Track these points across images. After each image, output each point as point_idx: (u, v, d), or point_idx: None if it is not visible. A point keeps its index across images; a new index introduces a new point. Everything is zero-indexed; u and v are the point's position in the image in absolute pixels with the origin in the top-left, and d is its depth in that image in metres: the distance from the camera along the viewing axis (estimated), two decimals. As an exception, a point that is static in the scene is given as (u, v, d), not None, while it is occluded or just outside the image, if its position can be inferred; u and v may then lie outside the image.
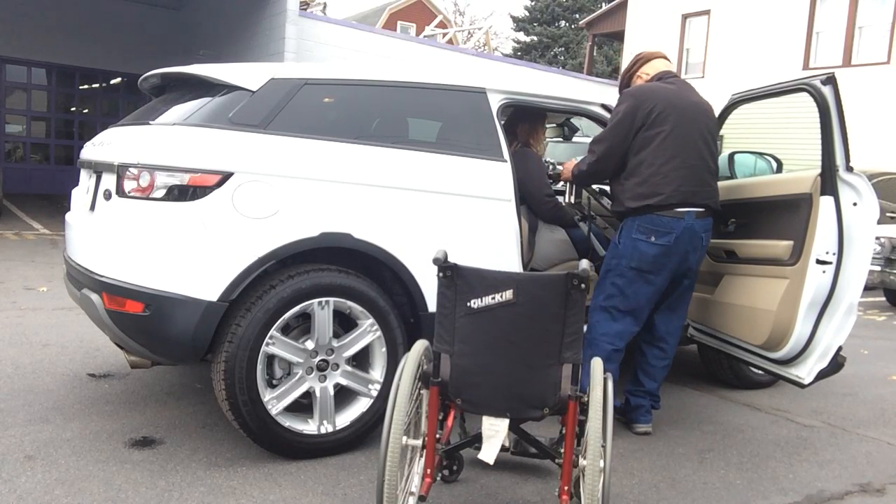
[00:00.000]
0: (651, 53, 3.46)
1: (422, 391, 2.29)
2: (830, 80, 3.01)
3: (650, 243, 3.10)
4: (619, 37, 20.31)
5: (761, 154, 4.02)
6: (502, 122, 3.42)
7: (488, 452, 2.23)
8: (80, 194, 3.28)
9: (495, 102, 3.33)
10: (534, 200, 3.66)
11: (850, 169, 3.04)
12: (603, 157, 3.22)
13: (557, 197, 3.83)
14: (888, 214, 8.97)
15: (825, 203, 3.05)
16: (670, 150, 3.08)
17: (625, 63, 18.92)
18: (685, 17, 17.52)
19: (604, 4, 27.05)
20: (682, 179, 3.07)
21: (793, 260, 3.15)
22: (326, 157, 2.85)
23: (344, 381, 2.89)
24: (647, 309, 3.22)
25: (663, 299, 3.30)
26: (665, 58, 3.44)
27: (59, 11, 15.09)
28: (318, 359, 2.84)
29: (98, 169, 2.95)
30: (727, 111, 3.70)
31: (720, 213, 3.30)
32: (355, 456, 2.92)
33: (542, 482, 2.78)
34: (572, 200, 3.77)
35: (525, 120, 3.84)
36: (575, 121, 4.87)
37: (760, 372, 3.83)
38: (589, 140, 3.95)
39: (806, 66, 15.02)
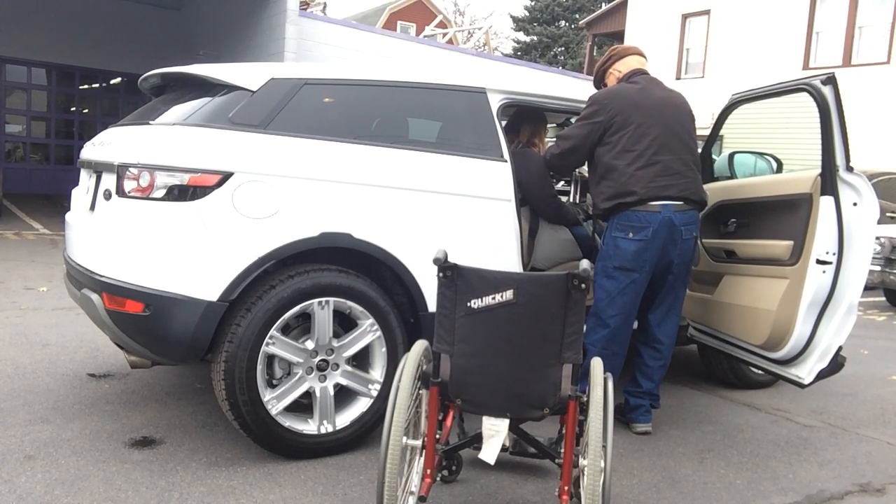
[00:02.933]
0: (625, 49, 3.45)
1: (421, 391, 2.29)
2: (830, 80, 3.01)
3: (629, 240, 3.11)
4: (619, 37, 20.30)
5: (761, 154, 4.01)
6: (505, 122, 3.41)
7: (489, 452, 2.23)
8: (80, 194, 3.28)
9: (495, 102, 3.33)
10: (537, 201, 3.64)
11: (850, 169, 3.04)
12: (566, 153, 3.31)
13: (560, 197, 3.82)
14: (888, 214, 8.97)
15: (825, 203, 3.05)
16: (636, 150, 3.10)
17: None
18: (685, 17, 17.52)
19: (604, 4, 27.05)
20: (652, 176, 3.08)
21: (793, 260, 3.15)
22: (326, 157, 2.85)
23: (344, 381, 2.89)
24: (633, 310, 3.22)
25: (653, 298, 3.30)
26: (640, 54, 3.43)
27: (59, 11, 15.09)
28: (318, 359, 2.84)
29: (98, 169, 2.96)
30: (727, 111, 3.70)
31: (704, 203, 3.27)
32: (355, 456, 2.92)
33: (542, 482, 2.77)
34: (577, 200, 3.77)
35: (529, 120, 3.82)
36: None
37: (760, 372, 3.83)
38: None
39: (806, 66, 15.03)
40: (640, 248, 3.10)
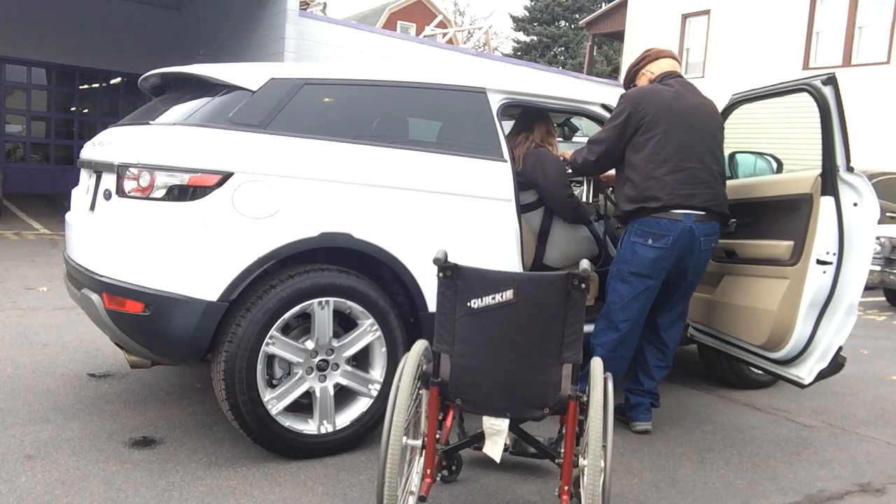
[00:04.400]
0: (659, 52, 3.42)
1: (421, 391, 2.29)
2: (831, 81, 3.01)
3: (648, 246, 3.09)
4: (619, 37, 20.30)
5: (761, 154, 4.01)
6: (514, 122, 3.37)
7: (494, 450, 2.24)
8: (80, 194, 3.28)
9: (495, 102, 3.33)
10: (555, 202, 3.61)
11: (850, 169, 3.04)
12: (601, 157, 3.25)
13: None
14: (888, 214, 8.96)
15: (826, 203, 3.05)
16: (663, 155, 3.07)
17: (627, 60, 18.90)
18: (685, 17, 17.52)
19: (604, 4, 27.04)
20: (678, 183, 3.05)
21: (793, 260, 3.15)
22: (326, 157, 2.85)
23: (344, 381, 2.89)
24: (644, 316, 3.21)
25: (665, 302, 3.29)
26: (673, 57, 3.41)
27: (59, 11, 15.09)
28: (318, 359, 2.84)
29: (98, 169, 2.96)
30: (727, 111, 3.70)
31: (727, 216, 3.26)
32: (355, 456, 2.92)
33: (542, 482, 2.77)
34: (589, 200, 3.77)
35: (541, 120, 3.80)
36: (575, 121, 4.86)
37: (760, 372, 3.83)
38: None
39: (806, 66, 15.02)
40: (659, 255, 3.08)
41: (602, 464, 1.99)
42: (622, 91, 3.37)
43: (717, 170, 3.16)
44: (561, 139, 5.89)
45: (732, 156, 3.95)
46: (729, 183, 3.66)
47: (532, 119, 3.79)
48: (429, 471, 2.29)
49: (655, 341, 3.35)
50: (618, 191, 3.26)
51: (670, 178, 3.05)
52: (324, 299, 2.79)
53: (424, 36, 22.81)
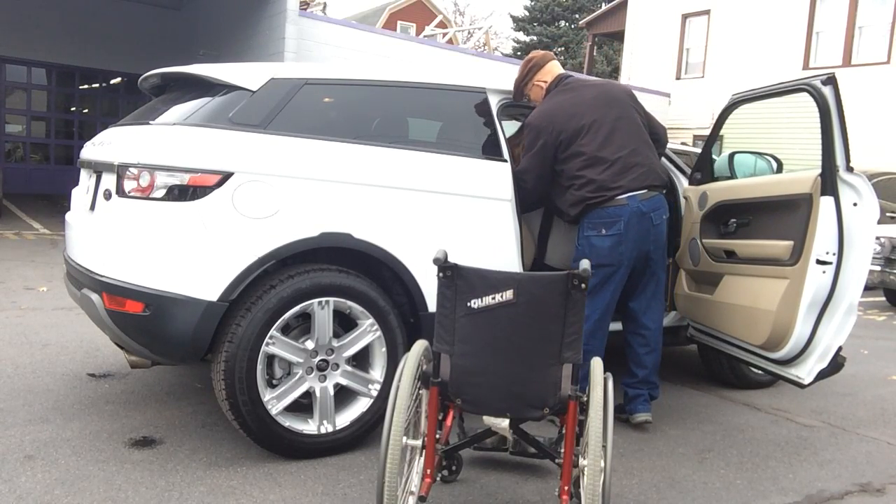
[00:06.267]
0: (542, 57, 3.42)
1: (421, 391, 2.30)
2: (831, 81, 3.01)
3: (602, 236, 3.15)
4: (619, 37, 20.29)
5: (761, 154, 4.01)
6: (523, 122, 3.36)
7: (504, 432, 2.30)
8: (80, 194, 3.28)
9: (495, 102, 3.34)
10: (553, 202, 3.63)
11: (850, 169, 3.04)
12: (535, 185, 3.28)
13: None
14: (888, 214, 8.96)
15: (825, 203, 3.05)
16: (592, 158, 3.14)
17: (627, 59, 18.89)
18: (685, 17, 17.51)
19: (604, 4, 27.03)
20: (614, 176, 3.13)
21: (793, 260, 3.15)
22: (326, 157, 2.85)
23: (344, 381, 2.89)
24: (612, 306, 3.24)
25: (635, 287, 3.33)
26: (555, 58, 3.45)
27: (59, 11, 15.09)
28: (318, 359, 2.84)
29: (98, 169, 2.96)
30: (727, 111, 3.70)
31: (667, 184, 3.32)
32: (355, 456, 2.92)
33: (542, 482, 2.78)
34: None
35: None
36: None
37: (760, 372, 3.83)
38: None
39: (806, 66, 15.02)
40: (615, 242, 3.14)
41: (602, 464, 1.99)
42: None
43: (643, 147, 3.23)
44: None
45: (732, 156, 3.96)
46: (729, 183, 3.67)
47: None
48: (429, 471, 2.29)
49: (637, 329, 3.38)
50: (559, 200, 3.31)
51: (605, 176, 3.12)
52: (324, 299, 2.79)
53: (424, 36, 22.81)
